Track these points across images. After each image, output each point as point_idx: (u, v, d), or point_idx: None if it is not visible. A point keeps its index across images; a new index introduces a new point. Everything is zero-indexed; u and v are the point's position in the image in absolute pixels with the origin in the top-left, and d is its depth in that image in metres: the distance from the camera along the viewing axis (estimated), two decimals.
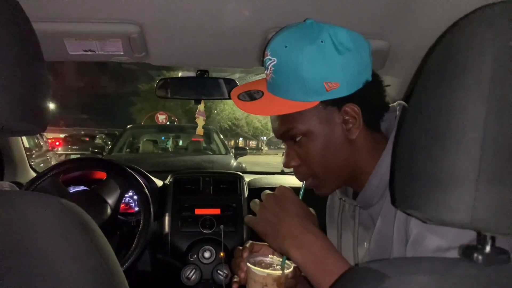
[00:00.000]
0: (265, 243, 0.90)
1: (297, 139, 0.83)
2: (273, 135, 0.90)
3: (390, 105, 0.90)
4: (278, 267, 0.86)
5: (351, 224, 0.93)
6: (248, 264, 0.84)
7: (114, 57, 1.26)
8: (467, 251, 0.46)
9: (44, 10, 1.03)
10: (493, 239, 0.46)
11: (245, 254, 0.90)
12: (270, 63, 0.82)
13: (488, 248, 0.45)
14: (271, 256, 0.91)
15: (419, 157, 0.47)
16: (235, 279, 0.91)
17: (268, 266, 0.87)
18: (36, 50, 0.61)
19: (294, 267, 0.86)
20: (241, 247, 0.93)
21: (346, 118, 0.81)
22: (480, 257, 0.45)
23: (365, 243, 0.90)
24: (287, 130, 0.84)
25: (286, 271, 0.83)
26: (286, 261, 0.84)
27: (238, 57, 1.30)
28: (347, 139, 0.82)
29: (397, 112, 0.87)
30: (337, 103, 0.80)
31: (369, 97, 0.82)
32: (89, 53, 1.21)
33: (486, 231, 0.45)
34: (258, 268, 0.82)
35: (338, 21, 0.95)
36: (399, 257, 0.77)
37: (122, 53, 1.22)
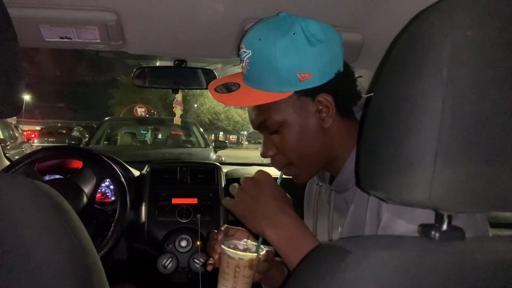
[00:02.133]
0: (240, 228, 0.93)
1: (273, 129, 0.86)
2: (252, 129, 0.93)
3: (365, 96, 0.93)
4: (252, 251, 0.88)
5: (327, 208, 0.96)
6: (222, 246, 0.85)
7: (91, 45, 1.25)
8: (425, 229, 0.49)
9: None
10: (449, 217, 0.48)
11: (220, 237, 0.93)
12: (245, 56, 0.84)
13: (444, 226, 0.48)
14: (246, 240, 0.93)
15: (382, 140, 0.49)
16: (210, 261, 0.93)
17: (242, 249, 0.89)
18: (11, 34, 0.61)
19: (267, 251, 0.88)
20: (216, 231, 0.96)
21: (320, 107, 0.84)
22: (437, 235, 0.48)
23: (339, 227, 0.93)
24: (263, 121, 0.86)
25: (252, 255, 0.85)
26: (261, 246, 0.86)
27: (216, 47, 1.30)
28: (321, 127, 0.85)
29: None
30: (311, 93, 0.83)
31: (341, 86, 0.85)
32: (65, 40, 1.20)
33: (443, 209, 0.47)
34: (232, 250, 0.84)
35: (313, 14, 0.97)
36: (361, 236, 0.80)
37: (99, 41, 1.22)
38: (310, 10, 1.02)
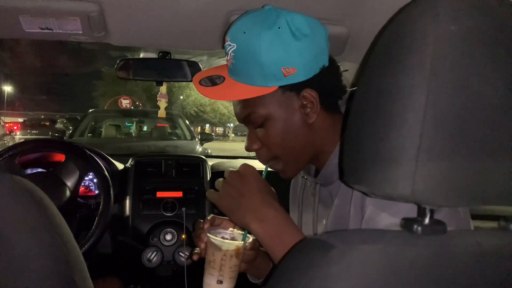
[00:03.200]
0: (226, 217, 0.93)
1: (258, 123, 0.86)
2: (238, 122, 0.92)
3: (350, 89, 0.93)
4: (238, 240, 0.88)
5: (312, 201, 0.97)
6: (208, 234, 0.86)
7: (73, 36, 1.23)
8: (407, 223, 0.49)
9: None
10: (432, 211, 0.49)
11: (206, 226, 0.92)
12: (230, 49, 0.83)
13: (427, 220, 0.48)
14: (232, 229, 0.93)
15: (365, 134, 0.49)
16: (195, 251, 0.93)
17: (229, 239, 0.89)
18: None
19: (253, 240, 0.88)
20: (202, 220, 0.95)
21: (304, 103, 0.83)
22: (419, 228, 0.48)
23: (324, 220, 0.93)
24: (248, 115, 0.86)
25: (239, 243, 0.85)
26: (247, 235, 0.87)
27: (200, 39, 1.29)
28: (306, 123, 0.85)
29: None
30: (295, 88, 0.83)
31: (326, 81, 0.85)
32: (46, 31, 1.18)
33: (425, 203, 0.48)
34: (218, 238, 0.84)
35: (298, 7, 0.96)
36: (345, 230, 0.81)
37: (81, 32, 1.19)
38: (295, 3, 1.01)
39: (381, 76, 0.49)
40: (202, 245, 0.91)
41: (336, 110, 0.89)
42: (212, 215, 0.96)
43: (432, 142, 0.44)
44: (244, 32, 0.81)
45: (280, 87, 0.82)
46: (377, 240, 0.47)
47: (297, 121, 0.84)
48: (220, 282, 0.84)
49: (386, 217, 0.73)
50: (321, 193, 0.94)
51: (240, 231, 0.91)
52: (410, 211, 0.53)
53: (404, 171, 0.45)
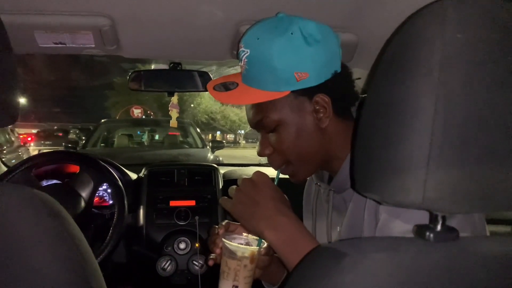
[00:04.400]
0: (238, 224, 0.93)
1: (270, 128, 0.86)
2: (250, 129, 0.94)
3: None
4: (253, 245, 0.89)
5: (326, 208, 0.97)
6: (223, 239, 0.86)
7: (86, 49, 1.25)
8: (420, 230, 0.49)
9: (14, 1, 1.02)
10: (443, 218, 0.49)
11: (221, 231, 0.92)
12: (244, 55, 0.85)
13: (439, 227, 0.49)
14: (246, 234, 0.93)
15: (376, 142, 0.50)
16: (211, 256, 0.94)
17: (243, 244, 0.90)
18: (4, 42, 0.61)
19: (268, 245, 0.88)
20: (217, 226, 0.96)
21: (317, 108, 0.84)
22: (431, 235, 0.48)
23: (338, 227, 0.93)
24: (260, 120, 0.87)
25: (255, 248, 0.85)
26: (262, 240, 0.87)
27: (211, 50, 1.31)
28: (318, 127, 0.85)
29: None
30: (308, 93, 0.84)
31: (338, 87, 0.86)
32: (60, 45, 1.20)
33: (436, 210, 0.48)
34: (233, 244, 0.85)
35: (308, 15, 0.97)
36: (357, 238, 0.81)
37: (93, 45, 1.22)
38: (306, 11, 1.02)
39: (390, 85, 0.49)
40: (218, 251, 0.91)
41: (349, 116, 0.90)
42: (226, 220, 0.97)
43: (442, 150, 0.44)
44: (258, 38, 0.83)
45: (293, 92, 0.83)
46: (390, 248, 0.47)
47: (309, 126, 0.85)
48: (236, 287, 0.85)
49: (400, 224, 0.72)
50: (334, 200, 0.94)
51: (254, 237, 0.91)
52: (423, 217, 0.53)
53: (415, 179, 0.45)
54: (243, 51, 0.85)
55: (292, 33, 0.80)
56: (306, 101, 0.84)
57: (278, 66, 0.81)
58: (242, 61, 0.86)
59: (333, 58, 0.85)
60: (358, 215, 0.85)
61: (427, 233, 0.48)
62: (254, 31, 0.85)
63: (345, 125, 0.88)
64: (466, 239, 0.50)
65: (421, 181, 0.45)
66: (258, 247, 0.86)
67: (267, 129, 0.87)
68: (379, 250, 0.47)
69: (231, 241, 0.86)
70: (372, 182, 0.50)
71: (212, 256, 0.93)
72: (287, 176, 0.93)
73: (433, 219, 0.49)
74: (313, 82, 0.82)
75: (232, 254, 0.84)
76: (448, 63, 0.44)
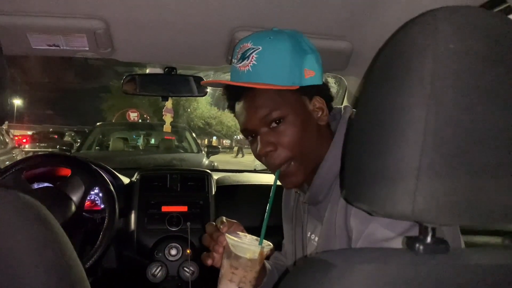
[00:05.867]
0: (235, 221, 0.92)
1: (275, 124, 0.87)
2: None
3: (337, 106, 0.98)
4: (253, 244, 0.83)
5: (304, 218, 0.98)
6: (229, 238, 0.81)
7: (79, 52, 1.25)
8: (409, 242, 0.49)
9: (6, 3, 1.01)
10: (433, 230, 0.48)
11: (225, 229, 0.88)
12: (253, 51, 0.87)
13: (429, 239, 0.48)
14: (244, 234, 0.89)
15: (366, 153, 0.49)
16: (211, 256, 0.90)
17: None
18: None
19: (272, 247, 0.85)
20: (213, 223, 0.92)
21: (316, 108, 0.90)
22: (421, 247, 0.47)
23: (316, 237, 0.93)
24: (267, 114, 0.86)
25: (268, 247, 0.82)
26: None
27: (205, 55, 1.30)
28: (318, 125, 0.90)
29: (342, 111, 0.95)
30: (308, 93, 0.89)
31: (328, 93, 0.94)
32: (53, 48, 1.20)
33: (426, 222, 0.47)
34: (245, 242, 0.81)
35: (303, 23, 0.98)
36: (346, 248, 0.80)
37: (87, 48, 1.21)
38: (301, 19, 1.03)
39: (381, 94, 0.49)
40: (221, 250, 0.87)
41: (330, 126, 0.94)
42: (222, 217, 0.92)
43: (432, 161, 0.44)
44: (270, 37, 0.88)
45: (298, 90, 0.87)
46: (378, 259, 0.47)
47: (312, 122, 0.90)
48: None
49: (381, 230, 0.72)
50: (311, 211, 0.96)
51: (253, 236, 0.87)
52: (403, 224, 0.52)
53: (405, 189, 0.45)
54: (252, 48, 0.88)
55: (298, 39, 0.90)
56: (307, 100, 0.89)
57: (292, 60, 0.86)
58: (249, 58, 0.87)
59: (321, 69, 0.92)
60: (332, 228, 0.85)
61: (417, 245, 0.48)
62: (261, 33, 0.91)
63: (329, 132, 0.93)
64: (456, 251, 0.50)
65: (411, 192, 0.44)
66: (269, 247, 0.82)
67: (272, 123, 0.87)
68: (367, 261, 0.46)
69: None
70: (361, 192, 0.50)
71: (215, 255, 0.89)
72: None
73: (423, 230, 0.49)
74: (317, 80, 0.89)
75: (241, 254, 0.79)
76: (440, 74, 0.44)
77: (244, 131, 0.92)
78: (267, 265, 1.00)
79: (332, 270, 0.44)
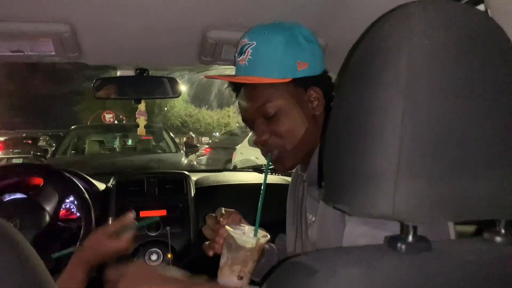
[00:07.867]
0: (233, 210, 0.99)
1: (271, 113, 0.92)
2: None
3: None
4: (250, 234, 0.89)
5: (304, 199, 1.02)
6: (229, 229, 0.86)
7: (46, 57, 1.20)
8: (391, 241, 0.48)
9: None
10: (415, 228, 0.48)
11: (225, 222, 0.95)
12: (249, 46, 0.92)
13: (410, 238, 0.47)
14: (243, 225, 0.95)
15: (344, 153, 0.48)
16: (212, 246, 0.97)
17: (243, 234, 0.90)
18: None
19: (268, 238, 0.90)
20: (213, 214, 1.00)
21: (312, 98, 0.93)
22: (403, 246, 0.47)
23: (312, 217, 0.96)
24: (262, 105, 0.92)
25: (265, 238, 0.87)
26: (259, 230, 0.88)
27: (177, 55, 1.28)
28: (313, 115, 0.94)
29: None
30: (304, 84, 0.92)
31: (326, 84, 0.96)
32: (18, 53, 1.15)
33: (407, 221, 0.47)
34: (248, 234, 0.86)
35: (273, 20, 0.96)
36: (328, 249, 0.80)
37: (53, 53, 1.17)
38: (274, 15, 1.01)
39: (357, 92, 0.48)
40: (221, 241, 0.93)
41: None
42: (222, 208, 0.99)
43: (411, 159, 0.43)
44: (265, 32, 0.92)
45: (292, 81, 0.90)
46: (361, 261, 0.46)
47: (305, 112, 0.93)
48: (241, 278, 0.85)
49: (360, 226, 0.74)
50: (312, 193, 0.98)
51: (251, 227, 0.92)
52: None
53: (384, 189, 0.44)
54: (248, 43, 0.92)
55: (293, 32, 0.92)
56: (303, 91, 0.93)
57: (284, 54, 0.89)
58: (245, 53, 0.92)
59: (321, 59, 0.96)
60: (328, 206, 0.86)
61: (399, 244, 0.47)
62: (258, 28, 0.94)
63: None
64: (437, 248, 0.49)
65: (390, 191, 0.43)
66: (266, 238, 0.87)
67: (267, 114, 0.92)
68: (350, 263, 0.45)
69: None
70: (340, 193, 0.49)
71: (216, 246, 0.95)
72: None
73: (404, 229, 0.48)
74: (311, 72, 0.91)
75: (242, 243, 0.84)
76: (415, 70, 0.43)
77: (244, 121, 0.99)
78: (266, 246, 1.04)
79: (314, 274, 0.43)
